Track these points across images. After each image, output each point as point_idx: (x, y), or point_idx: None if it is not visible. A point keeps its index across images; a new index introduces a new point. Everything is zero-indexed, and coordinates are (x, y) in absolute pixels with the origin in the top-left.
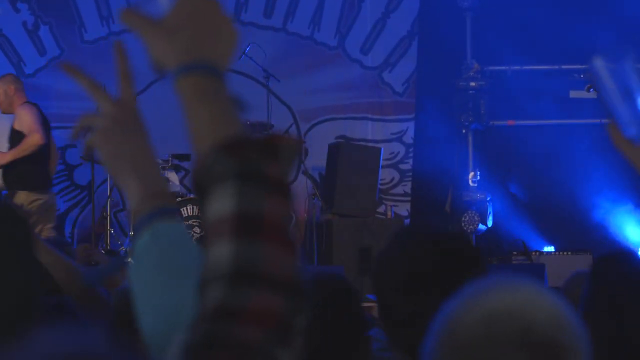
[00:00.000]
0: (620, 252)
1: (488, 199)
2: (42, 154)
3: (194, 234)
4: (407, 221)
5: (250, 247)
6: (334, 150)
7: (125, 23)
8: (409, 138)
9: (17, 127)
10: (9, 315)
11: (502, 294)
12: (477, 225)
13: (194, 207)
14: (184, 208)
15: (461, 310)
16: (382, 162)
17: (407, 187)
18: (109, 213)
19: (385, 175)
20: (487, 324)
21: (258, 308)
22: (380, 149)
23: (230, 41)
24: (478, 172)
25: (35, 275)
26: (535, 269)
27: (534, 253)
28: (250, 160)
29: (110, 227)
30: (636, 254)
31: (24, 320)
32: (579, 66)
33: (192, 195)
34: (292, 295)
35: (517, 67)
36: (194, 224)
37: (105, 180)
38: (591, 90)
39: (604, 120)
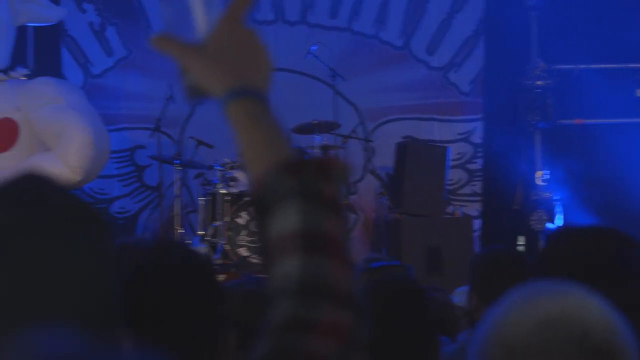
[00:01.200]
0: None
1: (556, 198)
2: None
3: None
4: (476, 221)
5: (317, 263)
6: (402, 150)
7: (159, 49)
8: (476, 138)
9: None
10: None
11: (555, 299)
12: (545, 224)
13: None
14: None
15: (514, 315)
16: (449, 162)
17: (476, 187)
18: (178, 213)
19: (453, 175)
20: (544, 329)
21: (330, 322)
22: (447, 148)
23: (267, 68)
24: (546, 171)
25: (115, 281)
26: None
27: None
28: (309, 180)
29: (181, 227)
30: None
31: (106, 324)
32: None
33: None
34: (356, 310)
35: (583, 66)
36: None
37: (174, 181)
38: None
39: None
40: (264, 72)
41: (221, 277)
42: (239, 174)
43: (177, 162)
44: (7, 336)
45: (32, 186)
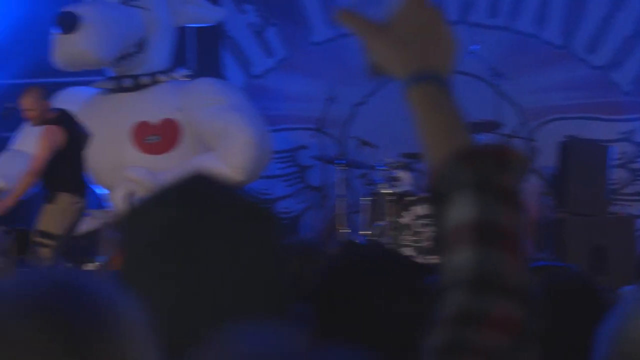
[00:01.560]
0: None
1: None
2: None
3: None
4: (639, 221)
5: (491, 256)
6: (564, 149)
7: (343, 24)
8: (638, 137)
9: None
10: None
11: None
12: None
13: (426, 206)
14: (417, 207)
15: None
16: (612, 162)
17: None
18: (341, 212)
19: (615, 175)
20: None
21: (502, 315)
22: (608, 147)
23: (451, 50)
24: None
25: (284, 278)
26: None
27: None
28: (486, 171)
29: (346, 227)
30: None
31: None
32: None
33: (423, 195)
34: (528, 304)
35: None
36: (427, 223)
37: (336, 182)
38: None
39: None
40: (448, 56)
41: None
42: (402, 174)
43: (340, 162)
44: (204, 334)
45: (203, 186)
